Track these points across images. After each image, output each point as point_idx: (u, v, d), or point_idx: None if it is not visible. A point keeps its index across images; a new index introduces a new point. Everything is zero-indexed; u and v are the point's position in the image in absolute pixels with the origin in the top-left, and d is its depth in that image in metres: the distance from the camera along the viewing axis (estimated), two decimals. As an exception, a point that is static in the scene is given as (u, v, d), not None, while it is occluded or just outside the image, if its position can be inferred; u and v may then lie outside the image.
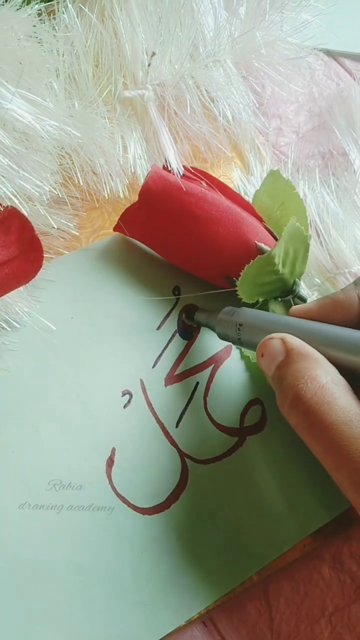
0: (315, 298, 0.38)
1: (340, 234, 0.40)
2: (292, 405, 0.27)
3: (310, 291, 0.39)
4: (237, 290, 0.35)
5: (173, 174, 0.38)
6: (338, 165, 0.45)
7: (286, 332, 0.30)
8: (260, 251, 0.35)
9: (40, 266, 0.35)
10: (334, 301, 0.31)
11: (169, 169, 0.39)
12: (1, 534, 0.32)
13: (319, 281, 0.39)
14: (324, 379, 0.27)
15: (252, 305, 0.37)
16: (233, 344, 0.34)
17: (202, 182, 0.39)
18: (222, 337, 0.35)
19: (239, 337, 0.33)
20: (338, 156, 0.46)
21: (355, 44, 0.52)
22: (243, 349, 0.38)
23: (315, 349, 0.29)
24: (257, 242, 0.35)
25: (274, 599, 0.32)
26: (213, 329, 0.35)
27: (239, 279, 0.34)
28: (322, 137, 0.47)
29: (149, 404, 0.36)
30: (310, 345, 0.29)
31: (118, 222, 0.39)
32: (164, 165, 0.39)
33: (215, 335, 0.37)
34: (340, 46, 0.51)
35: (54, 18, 0.37)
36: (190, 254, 0.37)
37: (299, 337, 0.29)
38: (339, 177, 0.44)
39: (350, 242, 0.40)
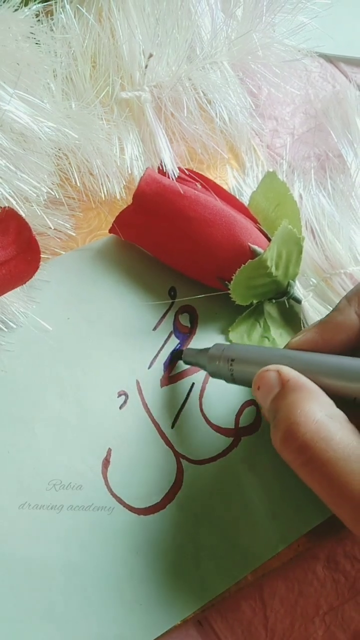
0: (311, 298, 0.38)
1: (335, 236, 0.41)
2: (285, 439, 0.26)
3: (305, 291, 0.39)
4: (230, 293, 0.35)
5: (168, 176, 0.38)
6: (334, 167, 0.45)
7: (282, 364, 0.29)
8: (254, 253, 0.35)
9: (38, 267, 0.35)
10: (334, 325, 0.30)
11: (164, 170, 0.39)
12: (0, 533, 0.32)
13: (314, 281, 0.40)
14: (318, 413, 0.26)
15: (246, 307, 0.37)
16: (225, 381, 0.33)
17: (196, 184, 0.39)
18: (214, 374, 0.33)
19: (231, 373, 0.32)
20: (333, 158, 0.46)
21: (351, 48, 0.52)
22: None
23: (313, 379, 0.28)
24: (250, 245, 0.36)
25: (268, 598, 0.32)
26: (203, 368, 0.34)
27: (232, 282, 0.34)
28: (318, 139, 0.48)
29: (145, 405, 0.36)
30: (307, 376, 0.28)
31: (113, 224, 0.39)
32: (159, 167, 0.40)
33: (211, 336, 0.38)
34: (336, 50, 0.52)
35: (52, 19, 0.37)
36: (184, 256, 0.37)
37: (296, 369, 0.28)
38: (334, 179, 0.44)
39: (346, 244, 0.40)
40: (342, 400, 0.27)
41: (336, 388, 0.27)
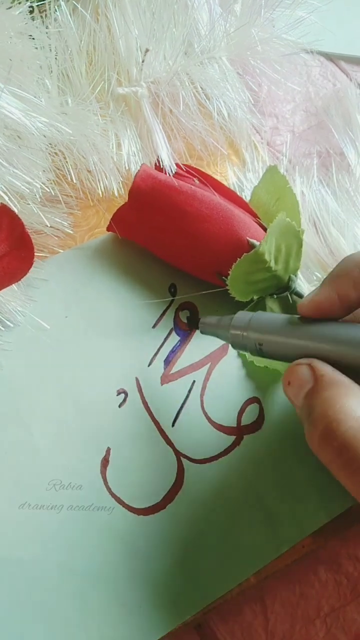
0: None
1: (340, 231, 0.40)
2: (323, 439, 0.24)
3: (309, 285, 0.38)
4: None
5: (164, 172, 0.38)
6: (335, 164, 0.45)
7: (314, 343, 0.27)
8: (252, 247, 0.35)
9: (31, 264, 0.35)
10: (350, 278, 0.28)
11: (161, 167, 0.38)
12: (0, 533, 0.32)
13: (318, 275, 0.39)
14: (358, 410, 0.24)
15: (246, 304, 0.37)
16: (250, 353, 0.30)
17: (194, 179, 0.39)
18: (236, 346, 0.31)
19: (260, 347, 0.29)
20: (335, 155, 0.46)
21: (351, 46, 0.52)
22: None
23: (349, 355, 0.26)
24: (248, 239, 0.35)
25: (269, 600, 0.31)
26: (225, 339, 0.32)
27: (229, 277, 0.34)
28: (319, 136, 0.47)
29: (145, 403, 0.35)
30: (342, 351, 0.26)
31: (110, 222, 0.38)
32: (156, 163, 0.39)
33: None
34: (337, 48, 0.51)
35: (47, 15, 0.37)
36: (182, 252, 0.37)
37: (334, 345, 0.27)
38: (337, 176, 0.44)
39: (350, 240, 0.40)
40: None
41: None
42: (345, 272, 0.28)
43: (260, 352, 0.30)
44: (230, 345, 0.31)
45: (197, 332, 0.37)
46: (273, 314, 0.31)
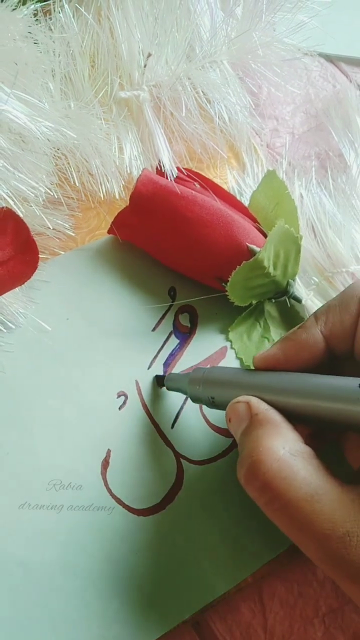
0: (313, 297, 0.38)
1: (337, 235, 0.40)
2: (247, 477, 0.25)
3: (307, 290, 0.39)
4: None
5: (166, 176, 0.38)
6: (334, 166, 0.45)
7: (256, 392, 0.28)
8: (252, 253, 0.35)
9: (36, 267, 0.35)
10: (297, 342, 0.29)
11: (163, 170, 0.39)
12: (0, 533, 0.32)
13: (316, 280, 0.40)
14: (281, 450, 0.25)
15: (246, 307, 0.37)
16: (207, 406, 0.32)
17: (195, 183, 0.39)
18: (195, 399, 0.32)
19: (212, 398, 0.31)
20: (334, 157, 0.46)
21: (351, 48, 0.52)
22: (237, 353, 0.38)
23: (290, 403, 0.27)
24: (248, 244, 0.35)
25: (267, 600, 0.32)
26: (185, 393, 0.33)
27: (229, 283, 0.34)
28: (319, 138, 0.47)
29: (144, 405, 0.36)
30: (284, 398, 0.27)
31: (111, 225, 0.39)
32: (157, 167, 0.39)
33: (211, 336, 0.38)
34: (337, 50, 0.52)
35: (50, 18, 0.37)
36: (182, 257, 0.37)
37: (272, 394, 0.28)
38: (335, 179, 0.44)
39: (347, 243, 0.40)
40: (325, 424, 0.27)
41: (319, 410, 0.26)
42: (295, 336, 0.30)
43: (213, 404, 0.31)
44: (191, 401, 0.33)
45: (196, 335, 0.38)
46: (226, 368, 0.33)
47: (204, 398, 0.31)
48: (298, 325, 0.30)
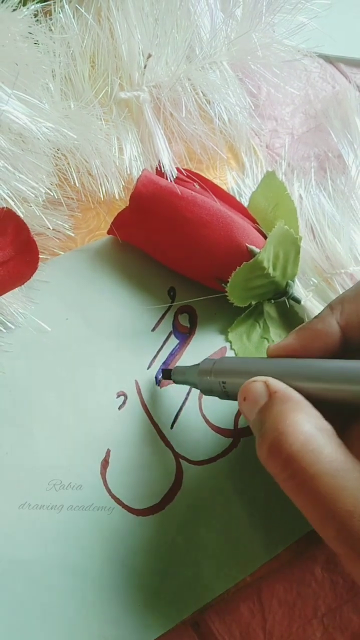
0: (312, 298, 0.38)
1: (336, 236, 0.41)
2: (271, 451, 0.25)
3: (306, 291, 0.39)
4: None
5: (165, 176, 0.38)
6: (333, 167, 0.45)
7: (274, 374, 0.28)
8: (251, 254, 0.35)
9: (36, 268, 0.35)
10: (314, 332, 0.29)
11: (162, 171, 0.39)
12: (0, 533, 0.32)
13: (315, 281, 0.40)
14: (307, 424, 0.25)
15: (245, 307, 0.37)
16: (219, 397, 0.32)
17: (194, 184, 0.39)
18: (206, 391, 0.32)
19: (224, 388, 0.31)
20: (333, 158, 0.46)
21: (351, 49, 0.52)
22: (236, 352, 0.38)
23: (304, 387, 0.27)
24: (247, 245, 0.35)
25: (266, 600, 0.32)
26: (194, 386, 0.33)
27: (229, 284, 0.34)
28: (318, 139, 0.47)
29: (144, 406, 0.36)
30: (298, 382, 0.27)
31: (111, 226, 0.39)
32: (157, 167, 0.39)
33: (211, 336, 0.38)
34: (336, 51, 0.52)
35: (51, 19, 0.37)
36: (182, 257, 0.37)
37: (285, 380, 0.27)
38: (334, 180, 0.44)
39: (346, 244, 0.40)
40: (334, 412, 0.27)
41: (328, 394, 0.26)
42: (311, 325, 0.30)
43: (225, 394, 0.31)
44: (199, 391, 0.33)
45: (196, 335, 0.38)
46: (235, 358, 0.34)
47: (215, 387, 0.31)
48: (315, 316, 0.30)
